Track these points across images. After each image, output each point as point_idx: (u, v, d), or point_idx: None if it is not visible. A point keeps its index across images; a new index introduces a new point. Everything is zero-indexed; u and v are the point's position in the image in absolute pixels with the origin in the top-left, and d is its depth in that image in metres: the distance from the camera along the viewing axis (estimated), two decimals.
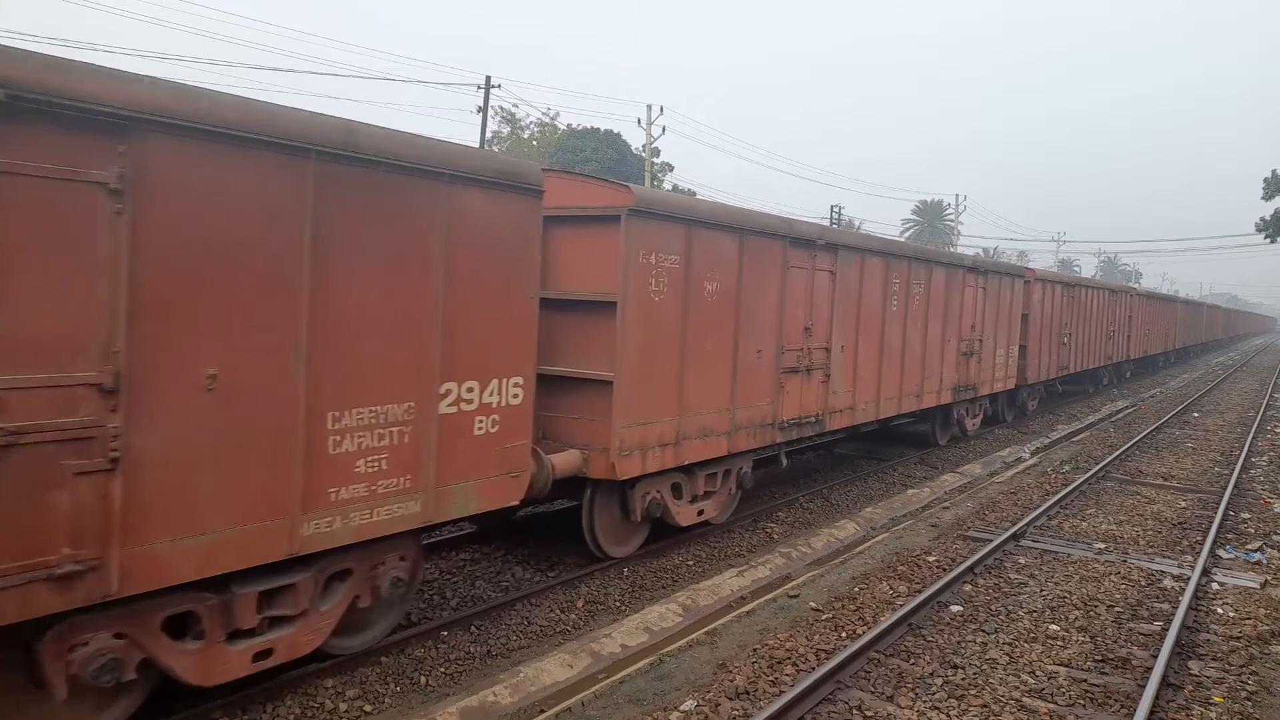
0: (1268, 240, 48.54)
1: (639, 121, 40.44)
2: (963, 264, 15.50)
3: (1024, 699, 6.03)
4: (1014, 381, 18.57)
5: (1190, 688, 6.36)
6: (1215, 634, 7.43)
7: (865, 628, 7.16)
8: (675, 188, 47.24)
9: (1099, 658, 6.81)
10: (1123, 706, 5.97)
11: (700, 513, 9.44)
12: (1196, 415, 23.04)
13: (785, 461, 10.98)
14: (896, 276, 12.68)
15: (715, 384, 9.00)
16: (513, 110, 49.96)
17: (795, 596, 8.09)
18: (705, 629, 7.26)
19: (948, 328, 14.70)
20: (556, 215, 7.79)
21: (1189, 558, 9.57)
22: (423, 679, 6.19)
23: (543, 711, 5.79)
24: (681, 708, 5.74)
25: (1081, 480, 13.30)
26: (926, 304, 13.75)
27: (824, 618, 7.48)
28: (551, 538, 9.63)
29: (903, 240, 14.55)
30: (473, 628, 7.06)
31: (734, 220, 9.25)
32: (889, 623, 7.04)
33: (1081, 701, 6.05)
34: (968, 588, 8.37)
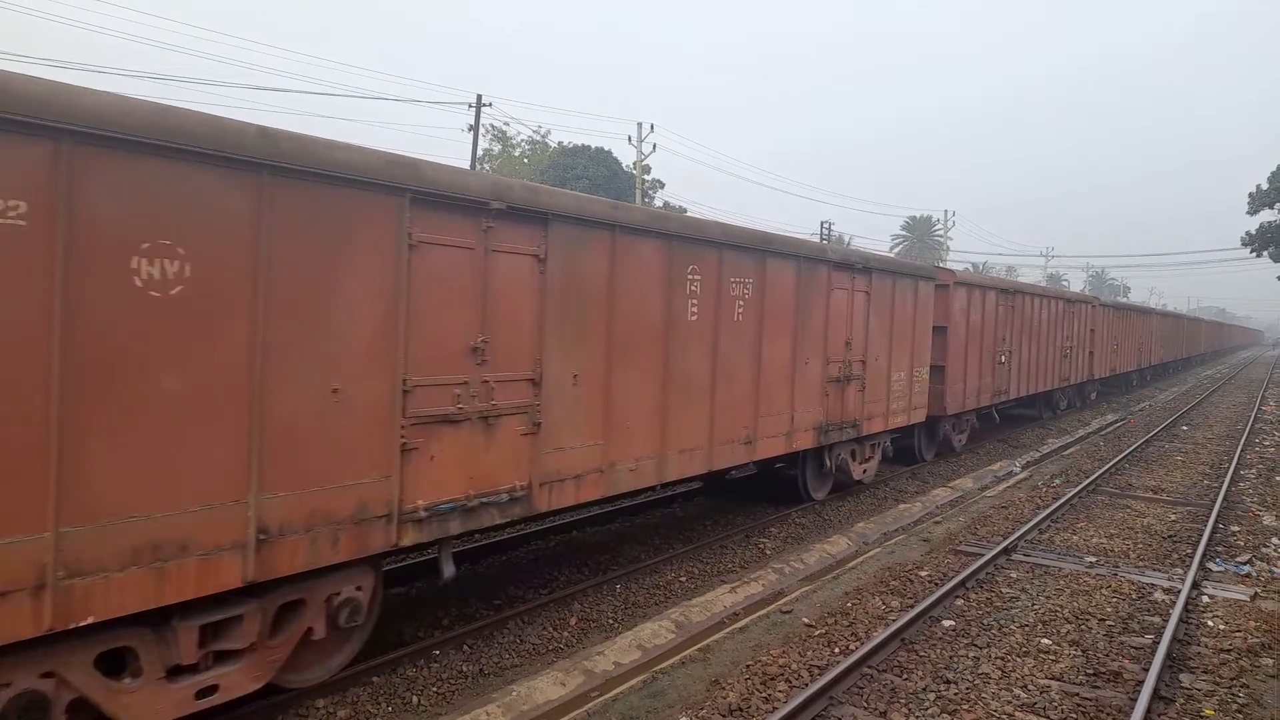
0: (1253, 254, 49.05)
1: (629, 139, 40.66)
2: (825, 257, 11.24)
3: (1017, 713, 6.04)
4: (924, 413, 14.79)
5: (1181, 700, 6.38)
6: (1206, 647, 7.46)
7: (858, 643, 7.16)
8: (666, 205, 47.47)
9: (1091, 671, 6.83)
10: None
11: (208, 693, 5.20)
12: (1185, 428, 23.16)
13: (452, 569, 6.76)
14: (695, 271, 8.76)
15: (193, 455, 4.79)
16: (504, 128, 50.22)
17: (788, 612, 8.09)
18: (698, 645, 7.25)
19: (803, 345, 10.74)
20: None
21: (1179, 571, 9.61)
22: (415, 698, 6.17)
23: None
24: None
25: (1072, 494, 13.35)
26: (760, 312, 9.80)
27: (817, 633, 7.48)
28: (546, 555, 9.63)
29: (707, 220, 9.95)
30: (465, 646, 7.04)
31: (210, 136, 4.79)
32: (882, 638, 7.05)
33: (1074, 715, 6.06)
34: (960, 602, 8.39)
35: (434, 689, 6.33)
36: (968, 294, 17.17)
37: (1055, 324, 22.82)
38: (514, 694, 6.16)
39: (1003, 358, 18.91)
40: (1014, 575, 9.34)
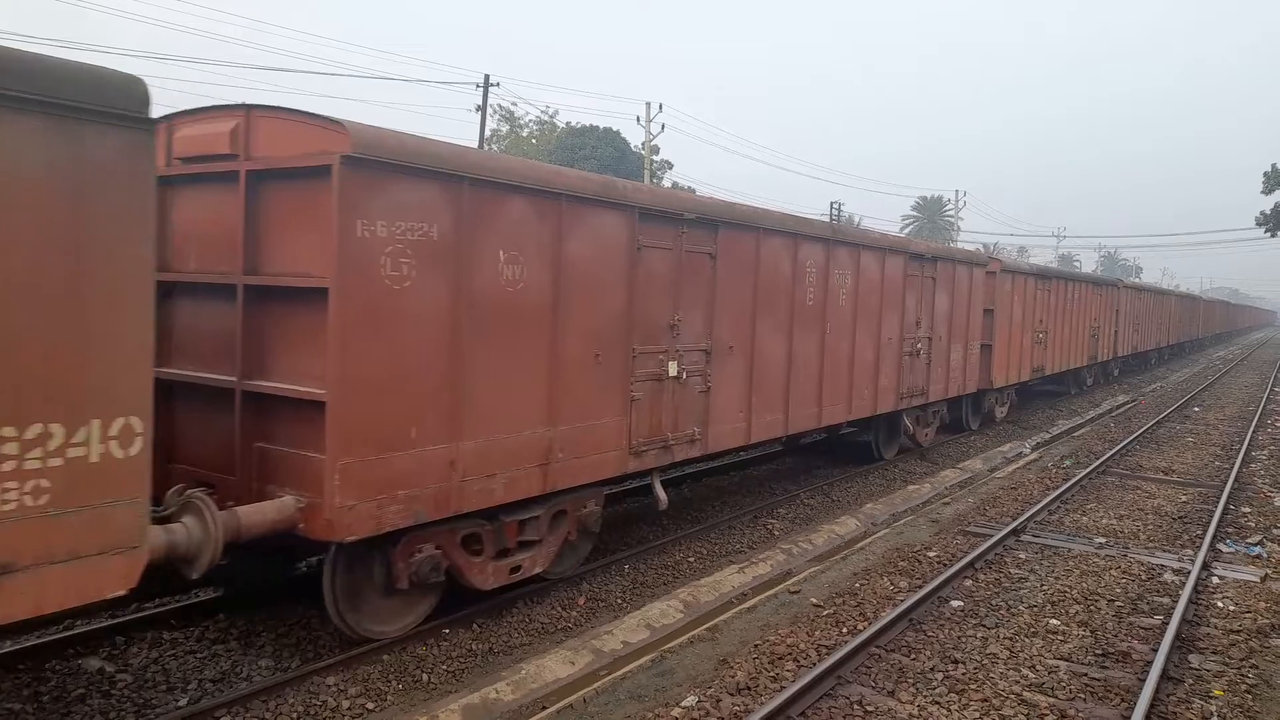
0: (1268, 234, 48.52)
1: (638, 119, 40.43)
2: None
3: (1024, 693, 6.05)
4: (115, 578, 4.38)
5: (1190, 681, 6.37)
6: (1215, 628, 7.44)
7: (866, 623, 7.17)
8: (675, 185, 47.27)
9: (1099, 652, 6.82)
10: (1123, 700, 5.98)
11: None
12: (1197, 409, 23.04)
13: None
14: None
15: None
16: (511, 109, 50.02)
17: (796, 592, 8.11)
18: (706, 625, 7.28)
19: None
20: None
21: (1189, 552, 9.58)
22: (425, 676, 6.21)
23: (544, 708, 5.81)
24: (683, 703, 5.76)
25: (1082, 475, 13.32)
26: None
27: (825, 613, 7.50)
28: None
29: None
30: (474, 625, 7.08)
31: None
32: (890, 618, 7.06)
33: (1082, 695, 6.07)
34: (968, 583, 8.39)
35: (444, 667, 6.37)
36: (533, 214, 6.83)
37: (911, 298, 13.28)
38: (523, 672, 6.20)
39: (675, 370, 8.55)
40: (1023, 556, 9.33)
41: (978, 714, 5.72)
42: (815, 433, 12.46)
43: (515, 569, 7.22)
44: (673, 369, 8.50)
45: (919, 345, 13.81)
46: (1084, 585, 8.38)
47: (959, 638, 7.02)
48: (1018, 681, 6.24)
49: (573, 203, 7.22)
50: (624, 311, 7.86)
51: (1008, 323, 17.97)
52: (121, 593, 4.51)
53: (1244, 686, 6.30)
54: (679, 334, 8.58)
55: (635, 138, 45.22)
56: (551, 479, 7.21)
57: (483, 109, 34.03)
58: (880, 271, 12.46)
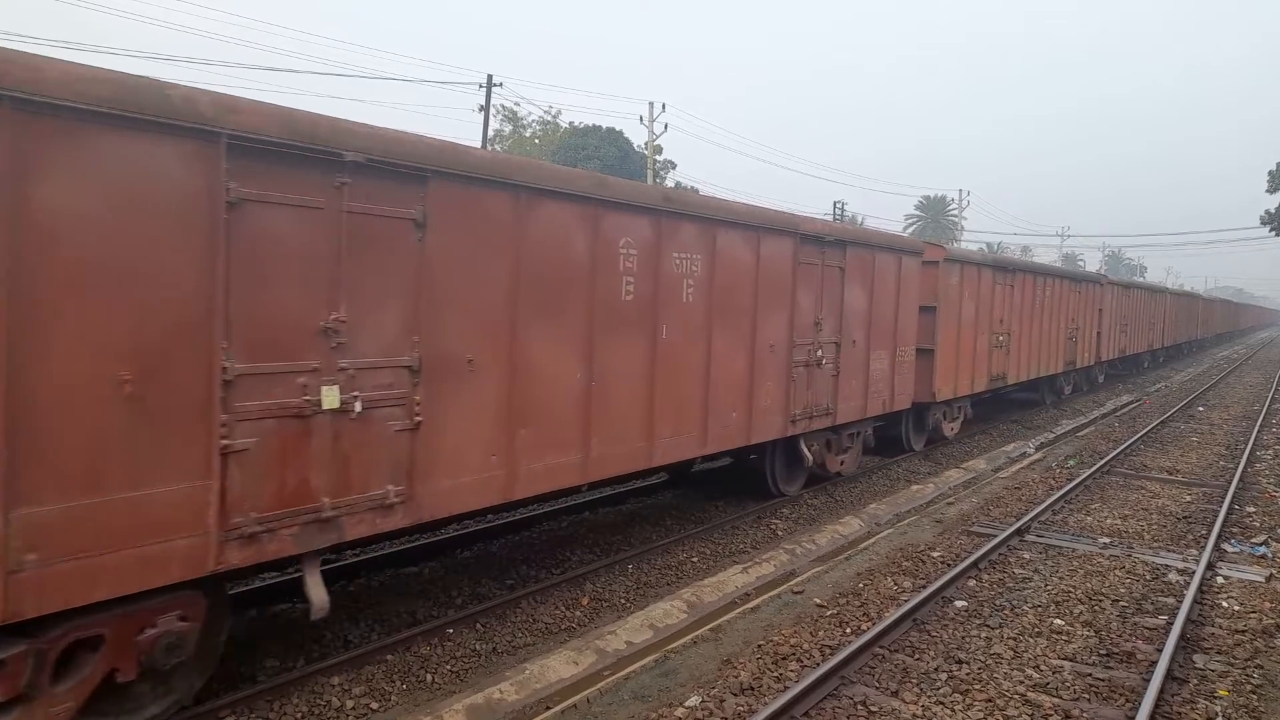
0: (1272, 233, 48.39)
1: (641, 119, 40.45)
2: None
3: (1028, 693, 6.04)
4: None
5: (1195, 681, 6.36)
6: (1220, 628, 7.43)
7: (870, 623, 7.17)
8: (678, 185, 47.29)
9: (1104, 652, 6.81)
10: (1127, 700, 5.97)
11: None
12: (1201, 409, 22.99)
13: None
14: None
15: None
16: (514, 109, 50.06)
17: (800, 593, 8.11)
18: (710, 625, 7.28)
19: None
20: None
21: (1194, 552, 9.56)
22: (429, 676, 6.22)
23: (548, 708, 5.82)
24: (686, 703, 5.76)
25: (1086, 475, 13.29)
26: None
27: (828, 614, 7.49)
28: (558, 535, 9.68)
29: None
30: (478, 625, 7.09)
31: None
32: (893, 618, 7.05)
33: (1086, 696, 6.06)
34: (972, 583, 8.38)
35: (448, 667, 6.38)
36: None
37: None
38: (527, 672, 6.20)
39: None
40: (1027, 556, 9.32)
41: (982, 714, 5.71)
42: (727, 455, 10.22)
43: None
44: (331, 397, 5.39)
45: (820, 353, 10.88)
46: (1088, 585, 8.36)
47: (963, 638, 7.01)
48: (1022, 682, 6.23)
49: (45, 117, 4.04)
50: (200, 307, 4.73)
51: (955, 323, 15.11)
52: None
53: (1249, 687, 6.28)
54: (345, 342, 5.47)
55: (638, 138, 45.27)
56: (15, 600, 4.06)
57: (485, 109, 34.09)
58: (754, 257, 9.45)
